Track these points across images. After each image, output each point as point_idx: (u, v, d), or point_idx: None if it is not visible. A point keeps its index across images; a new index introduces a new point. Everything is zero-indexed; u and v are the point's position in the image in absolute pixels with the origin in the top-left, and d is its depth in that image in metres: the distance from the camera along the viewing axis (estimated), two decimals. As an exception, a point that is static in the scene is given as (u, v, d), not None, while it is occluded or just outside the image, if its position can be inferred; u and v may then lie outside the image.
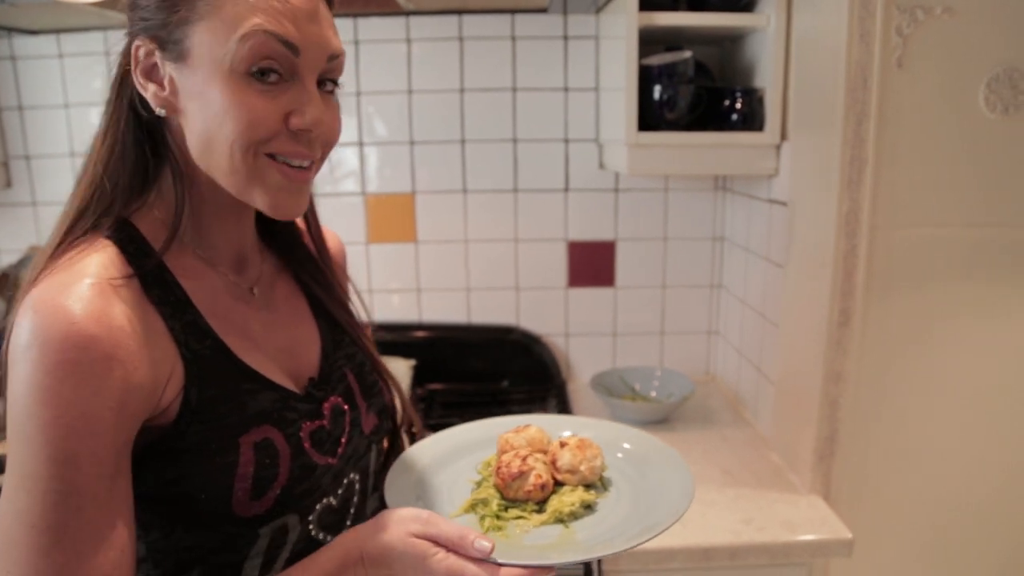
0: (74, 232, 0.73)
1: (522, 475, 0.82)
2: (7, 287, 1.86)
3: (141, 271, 0.72)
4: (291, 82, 0.72)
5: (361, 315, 1.00)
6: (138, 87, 0.73)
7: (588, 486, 0.85)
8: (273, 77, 0.70)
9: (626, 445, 0.95)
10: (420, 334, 1.99)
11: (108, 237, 0.73)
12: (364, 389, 0.92)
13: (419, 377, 1.92)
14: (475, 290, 2.00)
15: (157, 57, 0.72)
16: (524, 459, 0.84)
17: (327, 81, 0.76)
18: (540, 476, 0.83)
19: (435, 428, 1.69)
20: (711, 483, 1.48)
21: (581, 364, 2.05)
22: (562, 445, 0.87)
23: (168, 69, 0.72)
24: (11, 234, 1.94)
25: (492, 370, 2.00)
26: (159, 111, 0.74)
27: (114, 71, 0.76)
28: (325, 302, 0.94)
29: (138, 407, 0.67)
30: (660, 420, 1.76)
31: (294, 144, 0.73)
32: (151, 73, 0.73)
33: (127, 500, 0.67)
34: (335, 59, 0.75)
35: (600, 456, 0.87)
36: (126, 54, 0.74)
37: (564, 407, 1.83)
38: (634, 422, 1.76)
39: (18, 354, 0.63)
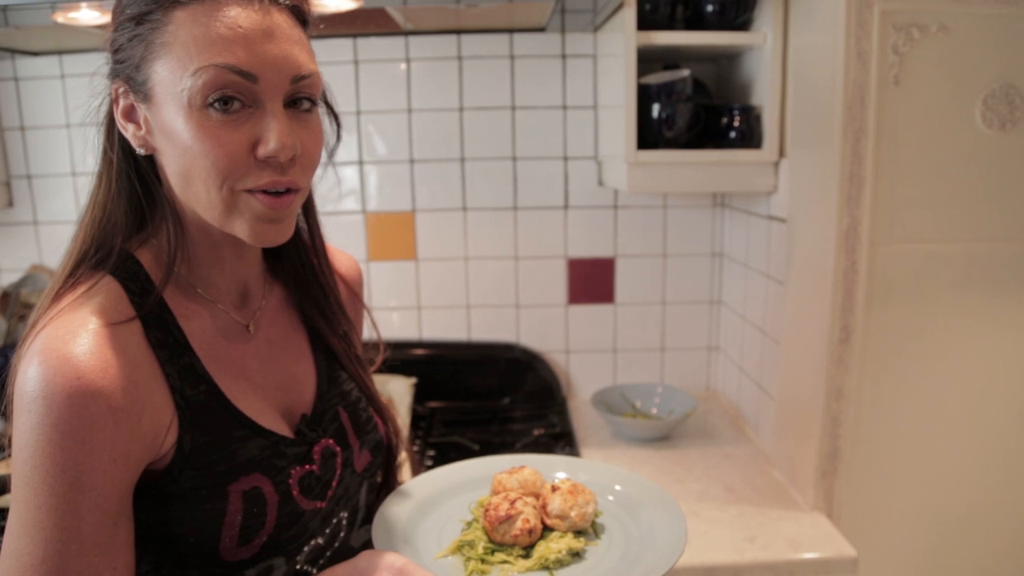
0: (77, 272, 0.74)
1: (509, 519, 0.82)
2: (8, 306, 1.86)
3: (142, 312, 0.72)
4: (254, 108, 0.70)
5: (373, 336, 1.00)
6: (120, 128, 0.75)
7: (579, 532, 0.84)
8: (235, 106, 0.69)
9: (617, 487, 0.94)
10: (420, 352, 1.99)
11: (112, 273, 0.74)
12: (357, 427, 0.91)
13: (420, 395, 1.92)
14: (475, 307, 2.00)
15: (132, 98, 0.73)
16: (513, 503, 0.83)
17: (302, 100, 0.74)
18: (528, 521, 0.82)
19: (436, 446, 1.70)
20: (714, 500, 1.48)
21: (582, 381, 2.05)
22: (554, 490, 0.86)
23: (142, 109, 0.73)
24: (12, 253, 1.95)
25: (493, 388, 2.00)
26: (140, 151, 0.75)
27: (104, 113, 0.77)
28: (326, 334, 0.93)
29: (141, 455, 0.68)
30: (661, 437, 1.76)
31: (267, 174, 0.71)
32: (130, 114, 0.74)
33: (128, 543, 0.68)
34: (302, 79, 0.72)
35: (592, 502, 0.85)
36: (109, 97, 0.76)
37: (565, 424, 1.82)
38: (635, 439, 1.75)
39: (25, 403, 0.64)
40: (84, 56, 1.84)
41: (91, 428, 0.64)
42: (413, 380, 1.89)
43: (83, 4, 1.36)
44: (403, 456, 1.03)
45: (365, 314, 1.04)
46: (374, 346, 1.02)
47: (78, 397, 0.63)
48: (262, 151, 0.70)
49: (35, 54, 1.83)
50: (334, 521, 0.85)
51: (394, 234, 1.95)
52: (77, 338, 0.66)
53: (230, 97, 0.68)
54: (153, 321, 0.73)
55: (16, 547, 0.63)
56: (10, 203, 1.92)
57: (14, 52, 1.81)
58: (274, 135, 0.70)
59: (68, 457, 0.63)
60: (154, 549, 0.73)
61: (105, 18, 1.42)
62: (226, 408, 0.76)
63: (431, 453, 1.68)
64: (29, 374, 0.64)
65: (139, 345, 0.71)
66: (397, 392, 1.81)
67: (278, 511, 0.76)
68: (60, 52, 1.83)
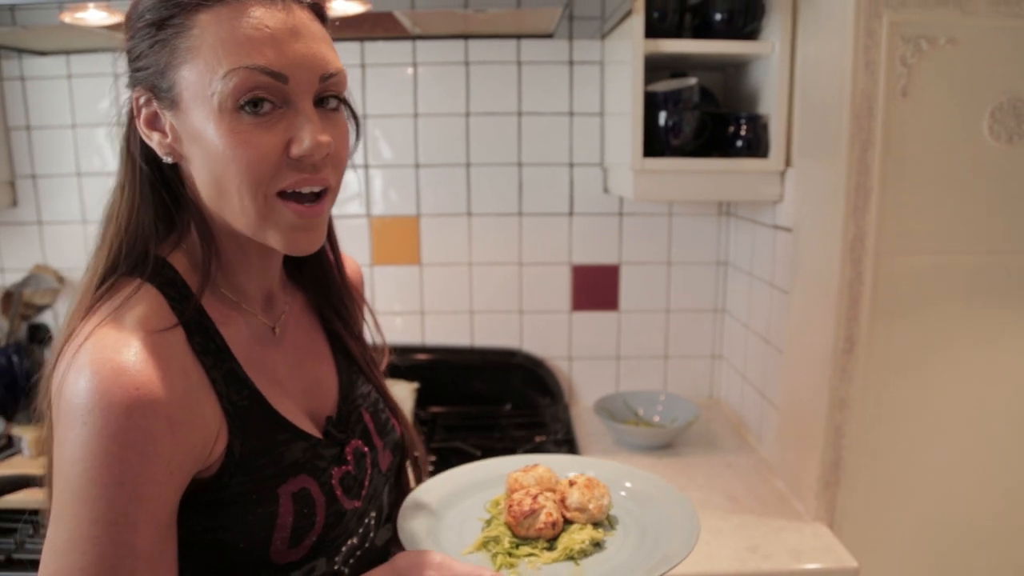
0: (108, 281, 0.73)
1: (533, 513, 0.84)
2: (11, 305, 1.86)
3: (184, 318, 0.72)
4: (285, 109, 0.70)
5: (375, 339, 1.00)
6: (143, 137, 0.73)
7: (596, 524, 0.87)
8: (266, 107, 0.68)
9: (628, 484, 0.97)
10: (423, 357, 1.99)
11: (150, 280, 0.72)
12: (379, 427, 0.92)
13: (422, 400, 1.92)
14: (479, 313, 2.00)
15: (156, 106, 0.72)
16: (535, 498, 0.86)
17: (329, 99, 0.73)
18: (551, 514, 0.84)
19: (438, 451, 1.70)
20: (716, 510, 1.47)
21: (584, 388, 2.04)
22: (571, 484, 0.88)
23: (168, 117, 0.71)
24: (16, 253, 1.95)
25: (495, 393, 2.00)
26: (166, 159, 0.73)
27: (124, 123, 0.76)
28: (344, 337, 0.94)
29: (192, 465, 0.68)
30: (664, 445, 1.75)
31: (299, 173, 0.71)
32: (154, 122, 0.73)
33: (174, 554, 0.67)
34: (331, 77, 0.72)
35: (607, 495, 0.88)
36: (130, 105, 0.75)
37: (567, 432, 1.82)
38: (638, 447, 1.75)
39: (78, 415, 0.62)
40: (91, 56, 1.83)
41: (151, 439, 0.63)
42: (415, 385, 1.89)
43: (90, 4, 1.36)
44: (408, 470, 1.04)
45: (370, 319, 1.04)
46: (377, 349, 1.03)
47: (138, 408, 0.62)
48: (296, 150, 0.69)
49: (42, 53, 1.83)
50: (366, 520, 0.86)
51: (399, 238, 1.95)
52: (128, 348, 0.65)
53: (261, 99, 0.68)
54: (194, 327, 0.73)
55: (66, 563, 0.61)
56: (14, 202, 1.92)
57: (21, 51, 1.81)
58: (308, 134, 0.69)
59: (127, 469, 0.62)
60: (200, 557, 0.72)
61: (113, 18, 1.42)
62: (268, 412, 0.76)
63: (432, 458, 1.67)
64: (80, 386, 0.63)
65: (185, 352, 0.70)
66: (399, 397, 1.80)
67: (326, 511, 0.77)
68: (67, 52, 1.83)
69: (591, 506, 0.86)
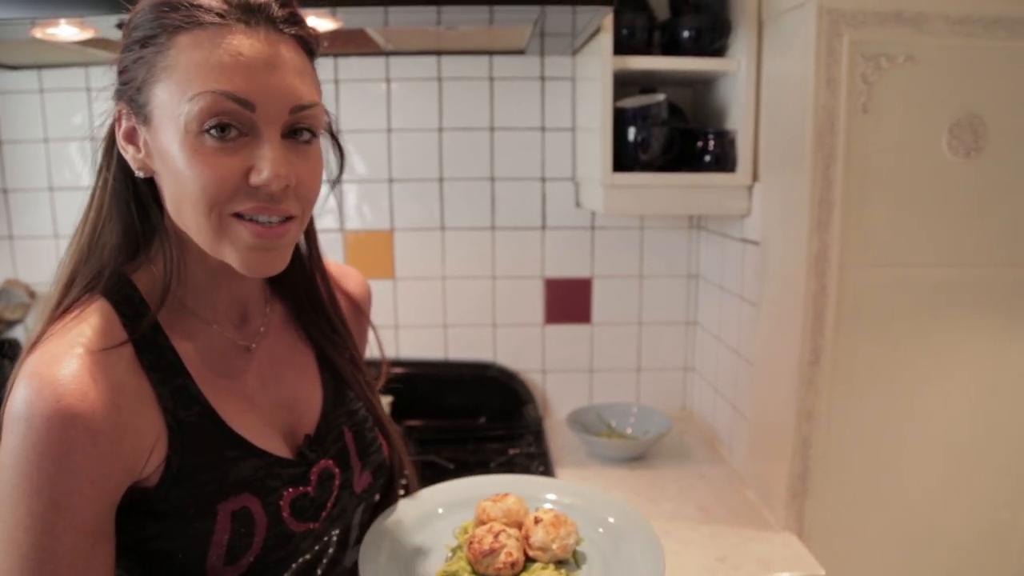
0: (70, 294, 0.75)
1: (493, 552, 0.83)
2: (-21, 322, 1.84)
3: (134, 335, 0.73)
4: (251, 137, 0.70)
5: (378, 355, 1.01)
6: (120, 150, 0.75)
7: (561, 563, 0.86)
8: (232, 133, 0.69)
9: (611, 519, 0.95)
10: (398, 370, 1.98)
11: (105, 296, 0.74)
12: (360, 448, 0.91)
13: (396, 413, 1.91)
14: (453, 326, 2.01)
15: (133, 120, 0.73)
16: (496, 535, 0.84)
17: (302, 131, 0.73)
18: (510, 554, 0.83)
19: (412, 464, 1.69)
20: (687, 520, 1.49)
21: (558, 400, 2.05)
22: (537, 521, 0.87)
23: (142, 132, 0.73)
24: (-15, 268, 1.93)
25: (469, 406, 2.00)
26: (138, 173, 0.75)
27: (104, 136, 0.78)
28: (331, 353, 0.93)
29: (122, 477, 0.69)
30: (636, 457, 1.76)
31: (256, 200, 0.70)
32: (131, 136, 0.74)
33: (107, 564, 0.68)
34: (303, 109, 0.72)
35: (574, 533, 0.87)
36: (114, 117, 0.76)
37: (541, 444, 1.83)
38: (611, 459, 1.76)
39: (10, 423, 0.65)
40: (63, 71, 1.83)
41: (70, 450, 0.64)
42: (390, 398, 1.89)
43: (62, 20, 1.36)
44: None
45: (371, 333, 1.04)
46: (377, 365, 1.03)
47: (57, 419, 0.64)
48: (255, 179, 0.69)
49: (13, 68, 1.83)
50: (325, 539, 0.85)
51: (372, 253, 1.96)
52: (62, 362, 0.67)
53: (226, 124, 0.68)
54: (146, 344, 0.74)
55: None
56: (-16, 217, 1.90)
57: (-8, 66, 1.81)
58: (267, 164, 0.69)
59: (46, 478, 0.64)
60: (145, 564, 0.73)
61: (85, 34, 1.42)
62: (220, 429, 0.76)
63: (406, 472, 1.67)
64: (16, 395, 0.66)
65: (128, 369, 0.71)
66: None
67: (266, 532, 0.77)
68: (39, 66, 1.82)
69: (554, 546, 0.84)
